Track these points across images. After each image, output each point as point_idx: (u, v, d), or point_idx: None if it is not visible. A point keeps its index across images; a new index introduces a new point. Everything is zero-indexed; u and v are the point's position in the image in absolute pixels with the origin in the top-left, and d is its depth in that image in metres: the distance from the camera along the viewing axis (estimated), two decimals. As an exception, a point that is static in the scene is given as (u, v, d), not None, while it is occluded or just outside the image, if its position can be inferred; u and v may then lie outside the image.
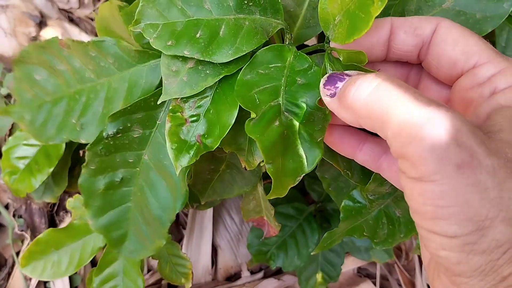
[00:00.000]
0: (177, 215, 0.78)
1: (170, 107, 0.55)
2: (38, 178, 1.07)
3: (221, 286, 1.36)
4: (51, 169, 1.05)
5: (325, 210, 1.26)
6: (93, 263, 1.31)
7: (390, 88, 0.40)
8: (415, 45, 0.49)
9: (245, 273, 1.41)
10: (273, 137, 0.48)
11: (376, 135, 0.49)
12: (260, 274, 1.40)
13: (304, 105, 0.49)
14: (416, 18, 0.49)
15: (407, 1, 0.56)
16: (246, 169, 0.61)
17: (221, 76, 0.54)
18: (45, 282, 1.33)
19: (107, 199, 0.64)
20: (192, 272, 0.95)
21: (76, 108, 0.65)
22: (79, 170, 1.19)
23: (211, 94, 0.56)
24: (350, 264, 1.39)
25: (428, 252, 0.42)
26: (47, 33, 1.36)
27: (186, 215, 1.39)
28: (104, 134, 0.60)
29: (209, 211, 1.37)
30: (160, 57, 0.55)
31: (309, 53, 0.57)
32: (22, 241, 1.36)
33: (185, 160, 0.53)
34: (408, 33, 0.49)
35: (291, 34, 0.58)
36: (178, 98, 0.55)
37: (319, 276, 1.25)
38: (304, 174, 0.50)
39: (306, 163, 0.49)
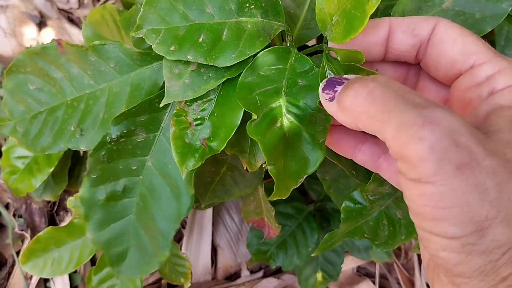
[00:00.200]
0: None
1: (174, 111, 0.55)
2: (38, 178, 1.07)
3: (221, 285, 1.36)
4: (51, 169, 1.06)
5: (324, 210, 1.26)
6: (93, 261, 1.32)
7: (388, 90, 0.40)
8: (413, 45, 0.49)
9: (245, 273, 1.41)
10: (275, 139, 0.48)
11: (375, 136, 0.50)
12: (260, 274, 1.40)
13: (306, 107, 0.50)
14: (414, 18, 0.49)
15: (407, 1, 0.57)
16: (248, 171, 0.61)
17: (223, 79, 0.54)
18: (45, 282, 1.33)
19: (109, 211, 0.62)
20: (191, 272, 0.95)
21: (75, 116, 0.64)
22: (79, 170, 1.20)
23: (215, 97, 0.56)
24: (349, 263, 1.40)
25: (427, 253, 0.42)
26: (47, 33, 1.36)
27: (186, 214, 1.39)
28: (107, 138, 0.59)
29: (209, 211, 1.37)
30: (163, 59, 0.55)
31: (310, 54, 0.57)
32: (22, 241, 1.36)
33: (191, 164, 0.53)
34: (406, 33, 0.49)
35: (292, 36, 0.58)
36: (182, 101, 0.55)
37: (319, 276, 1.25)
38: (306, 176, 0.50)
39: (308, 165, 0.49)
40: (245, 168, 0.61)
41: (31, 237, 1.33)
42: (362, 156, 0.54)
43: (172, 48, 0.52)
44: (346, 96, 0.43)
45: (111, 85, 0.63)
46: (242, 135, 0.58)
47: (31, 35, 1.34)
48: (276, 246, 1.22)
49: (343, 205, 0.67)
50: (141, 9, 0.53)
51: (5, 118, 0.67)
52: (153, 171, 0.61)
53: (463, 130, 0.36)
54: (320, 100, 0.48)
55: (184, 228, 1.36)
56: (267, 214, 0.87)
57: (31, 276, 1.31)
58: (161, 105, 0.55)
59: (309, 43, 0.64)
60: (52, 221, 1.40)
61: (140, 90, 0.62)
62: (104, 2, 1.43)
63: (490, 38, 0.68)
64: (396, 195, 0.66)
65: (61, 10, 1.44)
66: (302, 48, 0.61)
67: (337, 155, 0.58)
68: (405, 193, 0.40)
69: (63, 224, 1.37)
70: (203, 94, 0.55)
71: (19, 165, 1.10)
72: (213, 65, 0.53)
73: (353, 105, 0.42)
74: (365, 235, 0.67)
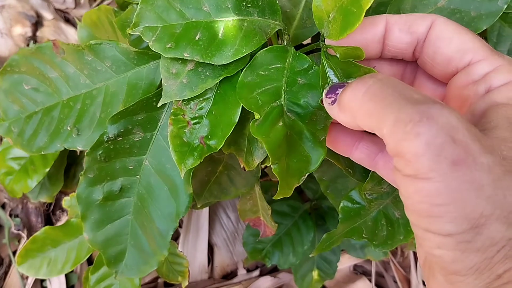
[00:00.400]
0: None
1: (172, 110, 0.56)
2: (34, 178, 1.07)
3: (218, 284, 1.36)
4: (47, 170, 1.06)
5: (320, 208, 1.26)
6: (90, 261, 1.32)
7: (386, 86, 0.40)
8: (410, 42, 0.49)
9: (241, 271, 1.41)
10: (278, 138, 0.48)
11: (373, 134, 0.50)
12: (256, 272, 1.40)
13: (306, 105, 0.50)
14: (411, 16, 0.49)
15: (402, 0, 0.57)
16: (245, 170, 0.61)
17: (221, 78, 0.55)
18: (41, 281, 1.33)
19: (106, 211, 0.62)
20: (188, 271, 0.95)
21: (71, 115, 0.64)
22: (74, 170, 1.20)
23: (212, 96, 0.56)
24: (346, 262, 1.40)
25: (423, 252, 0.42)
26: (43, 33, 1.36)
27: (182, 213, 1.39)
28: (104, 137, 0.59)
29: (205, 210, 1.37)
30: (160, 58, 0.55)
31: (306, 53, 0.57)
32: (19, 241, 1.36)
33: (189, 163, 0.53)
34: (402, 30, 0.49)
35: (288, 35, 0.59)
36: (179, 100, 0.55)
37: (315, 274, 1.25)
38: (308, 174, 0.50)
39: (310, 162, 0.49)
40: (242, 167, 0.61)
41: (28, 237, 1.33)
42: (359, 154, 0.54)
43: (168, 46, 0.52)
44: (344, 95, 0.44)
45: (108, 84, 0.63)
46: (239, 134, 0.58)
47: (27, 35, 1.34)
48: (272, 244, 1.22)
49: (341, 205, 0.67)
50: (138, 7, 0.53)
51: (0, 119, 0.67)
52: (150, 170, 0.61)
53: (460, 127, 0.36)
54: (321, 99, 0.49)
55: (180, 227, 1.36)
56: (263, 213, 0.87)
57: (28, 276, 1.31)
58: (158, 105, 0.55)
59: (305, 42, 0.64)
60: (48, 220, 1.40)
61: (137, 89, 0.62)
62: (101, 2, 1.43)
63: (482, 35, 0.69)
64: (394, 194, 0.66)
65: (58, 10, 1.44)
66: (298, 47, 0.61)
67: (334, 153, 0.58)
68: (400, 190, 0.40)
69: (59, 223, 1.37)
70: (201, 93, 0.55)
71: (15, 166, 1.10)
72: (210, 64, 0.53)
73: (351, 102, 0.43)
74: (363, 235, 0.67)
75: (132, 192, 0.62)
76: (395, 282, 1.40)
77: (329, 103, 0.47)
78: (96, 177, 0.61)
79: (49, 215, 1.41)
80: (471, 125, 0.37)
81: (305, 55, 0.55)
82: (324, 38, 0.52)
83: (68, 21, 1.44)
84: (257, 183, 0.78)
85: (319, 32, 0.56)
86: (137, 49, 0.62)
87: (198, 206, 0.77)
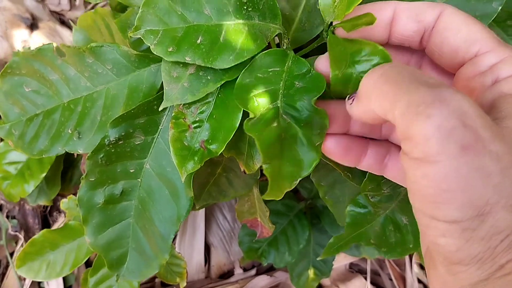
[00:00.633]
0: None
1: (173, 114, 0.56)
2: (31, 183, 1.08)
3: (214, 284, 1.36)
4: (44, 174, 1.06)
5: (315, 207, 1.27)
6: (87, 263, 1.32)
7: (401, 70, 0.40)
8: (417, 30, 0.49)
9: (238, 271, 1.42)
10: (271, 138, 0.48)
11: (377, 140, 0.50)
12: (253, 271, 1.41)
13: (302, 108, 0.50)
14: (420, 4, 0.48)
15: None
16: (245, 173, 0.61)
17: (222, 82, 0.55)
18: (39, 282, 1.33)
19: (107, 214, 0.62)
20: (186, 272, 0.95)
21: (72, 118, 0.64)
22: (71, 173, 1.20)
23: (213, 100, 0.56)
24: (342, 260, 1.40)
25: (426, 241, 0.41)
26: (38, 36, 1.36)
27: (179, 214, 1.39)
28: (106, 140, 0.59)
29: (202, 210, 1.37)
30: (161, 61, 0.55)
31: (305, 55, 0.58)
32: (16, 242, 1.37)
33: (190, 166, 0.54)
34: (410, 18, 0.48)
35: (288, 38, 0.59)
36: (180, 104, 0.55)
37: (311, 272, 1.26)
38: (300, 179, 0.50)
39: (303, 167, 0.49)
40: (242, 170, 0.61)
41: (25, 239, 1.34)
42: (368, 160, 0.53)
43: (170, 49, 0.52)
44: (361, 83, 0.44)
45: (109, 87, 0.63)
46: (239, 137, 0.59)
47: (23, 37, 1.34)
48: (268, 243, 1.23)
49: (348, 208, 0.66)
50: (140, 10, 0.53)
51: (0, 121, 0.66)
52: (151, 173, 0.61)
53: (471, 112, 0.35)
54: (316, 98, 0.49)
55: (177, 227, 1.36)
56: (260, 214, 0.88)
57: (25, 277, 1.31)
58: (160, 108, 0.55)
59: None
60: (45, 222, 1.40)
61: (138, 92, 0.62)
62: (96, 5, 1.43)
63: None
64: (400, 199, 0.65)
65: (53, 12, 1.44)
66: (297, 50, 0.61)
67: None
68: (407, 175, 0.39)
69: (56, 225, 1.37)
70: (202, 97, 0.55)
71: (12, 170, 1.10)
72: (211, 68, 0.53)
73: (367, 85, 0.43)
74: (371, 241, 0.66)
75: (133, 195, 0.62)
76: (391, 280, 1.41)
77: (350, 104, 0.47)
78: (97, 181, 0.61)
79: (46, 216, 1.41)
80: (483, 112, 0.37)
81: (304, 60, 0.55)
82: (329, 28, 0.52)
83: (63, 23, 1.44)
84: (255, 185, 0.78)
85: (317, 35, 0.57)
86: (138, 52, 0.62)
87: (197, 207, 0.77)
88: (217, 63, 0.53)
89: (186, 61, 0.53)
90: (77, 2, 1.44)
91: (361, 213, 0.65)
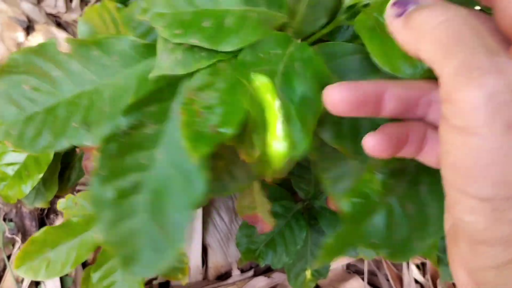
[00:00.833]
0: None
1: (183, 100, 0.56)
2: (28, 184, 1.07)
3: (212, 285, 1.36)
4: (41, 175, 1.05)
5: (312, 208, 1.27)
6: (84, 264, 1.32)
7: (467, 23, 0.37)
8: None
9: (236, 272, 1.42)
10: (268, 109, 0.49)
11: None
12: (250, 273, 1.41)
13: (299, 91, 0.50)
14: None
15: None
16: (245, 162, 0.61)
17: (215, 60, 0.55)
18: (36, 285, 1.33)
19: (119, 209, 0.60)
20: (189, 267, 0.95)
21: (77, 112, 0.63)
22: (69, 174, 1.20)
23: (222, 85, 0.56)
24: (339, 261, 1.41)
25: (451, 218, 0.41)
26: (35, 38, 1.36)
27: (175, 216, 1.39)
28: (116, 131, 0.58)
29: (198, 211, 1.38)
30: (170, 48, 0.56)
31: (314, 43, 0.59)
32: (13, 245, 1.36)
33: (202, 151, 0.53)
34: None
35: (292, 28, 0.60)
36: (191, 90, 0.56)
37: (308, 273, 1.26)
38: (294, 159, 0.49)
39: (296, 148, 0.49)
40: (242, 159, 0.61)
41: (22, 241, 1.33)
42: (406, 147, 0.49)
43: (177, 32, 0.53)
44: (419, 15, 0.40)
45: (116, 79, 0.63)
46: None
47: (19, 40, 1.34)
48: (265, 244, 1.23)
49: (346, 197, 0.58)
50: None
51: None
52: (163, 163, 0.60)
53: None
54: (314, 83, 0.49)
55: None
56: (261, 209, 0.88)
57: (23, 280, 1.31)
58: (150, 76, 0.56)
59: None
60: (42, 224, 1.40)
61: (147, 81, 0.61)
62: (93, 4, 1.43)
63: None
64: (408, 179, 0.58)
65: (49, 15, 1.45)
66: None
67: (339, 137, 0.57)
68: (443, 142, 0.37)
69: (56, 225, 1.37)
70: (211, 82, 0.55)
71: (9, 172, 1.10)
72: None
73: (423, 24, 0.39)
74: (370, 241, 0.57)
75: (145, 187, 0.60)
76: (388, 280, 1.41)
77: (393, 15, 0.43)
78: (108, 175, 0.59)
79: (43, 219, 1.41)
80: None
81: (307, 45, 0.56)
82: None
83: (60, 25, 1.45)
84: (256, 179, 0.78)
85: (320, 27, 0.57)
86: (145, 42, 0.62)
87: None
88: (222, 46, 0.54)
89: (192, 43, 0.53)
90: (73, 5, 1.44)
91: (362, 202, 0.58)
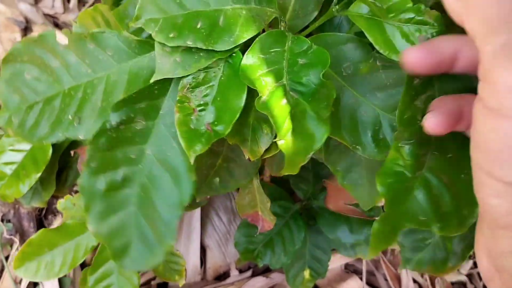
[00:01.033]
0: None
1: (177, 98, 0.57)
2: (26, 183, 1.07)
3: (211, 286, 1.36)
4: (39, 174, 1.05)
5: (311, 208, 1.27)
6: (82, 265, 1.32)
7: None
8: None
9: (234, 272, 1.42)
10: (283, 115, 0.49)
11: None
12: (249, 273, 1.41)
13: (308, 83, 0.51)
14: None
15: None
16: (249, 160, 0.62)
17: (214, 59, 0.56)
18: (34, 286, 1.33)
19: (109, 201, 0.61)
20: (185, 269, 0.95)
21: (72, 104, 0.64)
22: (66, 174, 1.20)
23: (216, 83, 0.57)
24: (337, 261, 1.41)
25: (478, 198, 0.39)
26: (32, 39, 1.36)
27: (174, 216, 1.39)
28: (107, 125, 0.59)
29: (197, 211, 1.38)
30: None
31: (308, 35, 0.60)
32: (11, 246, 1.36)
33: (198, 148, 0.54)
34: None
35: (285, 22, 0.60)
36: (184, 88, 0.57)
37: (306, 273, 1.26)
38: (313, 152, 0.50)
39: (315, 141, 0.50)
40: (247, 157, 0.62)
41: (20, 242, 1.33)
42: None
43: (171, 35, 0.54)
44: None
45: (109, 73, 0.63)
46: (243, 123, 0.60)
47: (17, 40, 1.34)
48: (264, 244, 1.23)
49: (379, 180, 0.54)
50: (139, 0, 0.55)
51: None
52: (152, 159, 0.61)
53: None
54: (323, 73, 0.49)
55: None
56: (261, 207, 0.88)
57: (21, 281, 1.31)
58: (151, 81, 0.56)
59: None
60: (40, 225, 1.40)
61: (139, 78, 0.62)
62: (90, 6, 1.43)
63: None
64: (433, 150, 0.54)
65: (47, 15, 1.45)
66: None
67: (336, 129, 0.57)
68: (475, 122, 0.37)
69: (52, 228, 1.37)
70: (204, 80, 0.56)
71: (7, 171, 1.10)
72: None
73: None
74: (420, 217, 0.54)
75: (134, 181, 0.61)
76: (386, 280, 1.41)
77: None
78: (99, 167, 0.60)
79: (41, 219, 1.41)
80: None
81: (303, 37, 0.57)
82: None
83: (57, 26, 1.45)
84: (256, 176, 0.78)
85: (313, 20, 0.58)
86: (138, 38, 0.63)
87: (197, 200, 0.77)
88: (218, 46, 0.55)
89: (187, 45, 0.54)
90: (70, 5, 1.44)
91: (397, 180, 0.54)
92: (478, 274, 1.41)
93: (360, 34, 0.58)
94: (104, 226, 0.61)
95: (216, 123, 0.55)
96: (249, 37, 0.56)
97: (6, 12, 1.36)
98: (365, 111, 0.59)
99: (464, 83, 0.52)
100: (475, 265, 1.40)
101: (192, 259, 1.37)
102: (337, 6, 0.57)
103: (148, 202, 0.61)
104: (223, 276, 1.43)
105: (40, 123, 0.64)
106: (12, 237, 1.34)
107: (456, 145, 0.52)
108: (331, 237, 1.21)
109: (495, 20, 0.35)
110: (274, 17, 0.59)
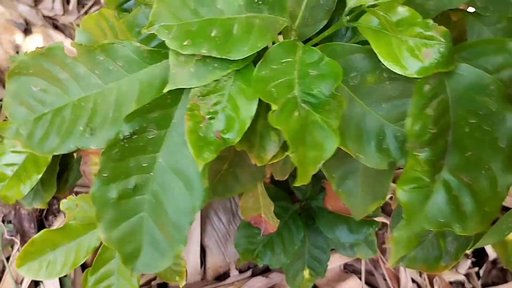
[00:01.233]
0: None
1: (188, 106, 0.56)
2: (27, 184, 1.07)
3: (210, 286, 1.37)
4: (40, 176, 1.05)
5: (310, 208, 1.27)
6: (83, 266, 1.32)
7: None
8: None
9: (234, 272, 1.42)
10: (295, 127, 0.50)
11: None
12: (249, 273, 1.41)
13: (320, 94, 0.52)
14: None
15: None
16: (256, 166, 0.62)
17: (229, 71, 0.56)
18: (35, 286, 1.33)
19: (120, 209, 0.62)
20: (186, 270, 0.96)
21: (83, 115, 0.63)
22: (67, 175, 1.21)
23: (227, 92, 0.57)
24: (336, 261, 1.41)
25: None
26: (32, 40, 1.36)
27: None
28: (120, 135, 0.59)
29: (197, 212, 1.38)
30: (175, 54, 0.57)
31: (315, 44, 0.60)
32: (12, 247, 1.36)
33: (207, 156, 0.54)
34: None
35: (295, 31, 0.61)
36: (195, 97, 0.56)
37: (306, 273, 1.26)
38: (323, 161, 0.51)
39: (325, 150, 0.50)
40: (254, 163, 0.62)
41: (21, 243, 1.34)
42: None
43: (185, 43, 0.54)
44: None
45: (120, 83, 0.63)
46: (251, 130, 0.59)
47: (16, 42, 1.34)
48: (263, 245, 1.23)
49: (399, 189, 0.55)
50: (154, 6, 0.55)
51: (6, 122, 0.65)
52: (164, 167, 0.61)
53: None
54: (336, 86, 0.50)
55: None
56: (265, 210, 0.89)
57: (22, 281, 1.31)
58: (164, 90, 0.56)
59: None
60: (41, 226, 1.40)
61: (151, 87, 0.62)
62: (89, 9, 1.44)
63: (463, 38, 0.70)
64: (449, 147, 0.55)
65: (46, 17, 1.45)
66: (303, 43, 0.63)
67: (343, 140, 0.57)
68: None
69: (52, 228, 1.37)
70: (215, 89, 0.56)
71: (8, 172, 1.09)
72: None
73: None
74: (440, 220, 0.54)
75: (146, 189, 0.62)
76: (385, 279, 1.42)
77: None
78: (111, 176, 0.61)
79: (42, 220, 1.41)
80: None
81: (314, 48, 0.57)
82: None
83: (57, 27, 1.45)
84: (260, 179, 0.78)
85: (322, 28, 0.58)
86: (149, 48, 0.63)
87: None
88: (233, 55, 0.55)
89: (202, 53, 0.54)
90: (70, 7, 1.44)
91: (417, 187, 0.55)
92: (476, 273, 1.42)
93: (364, 43, 0.58)
94: (115, 233, 0.62)
95: (225, 131, 0.55)
96: (263, 47, 0.56)
97: (6, 14, 1.36)
98: (370, 121, 0.60)
99: (477, 79, 0.53)
100: (473, 264, 1.41)
101: (192, 260, 1.38)
102: (347, 17, 0.57)
103: (159, 208, 0.61)
104: (223, 276, 1.43)
105: (50, 134, 0.64)
106: (13, 238, 1.35)
107: (474, 141, 0.53)
108: (330, 237, 1.22)
109: None
110: (284, 26, 0.59)
